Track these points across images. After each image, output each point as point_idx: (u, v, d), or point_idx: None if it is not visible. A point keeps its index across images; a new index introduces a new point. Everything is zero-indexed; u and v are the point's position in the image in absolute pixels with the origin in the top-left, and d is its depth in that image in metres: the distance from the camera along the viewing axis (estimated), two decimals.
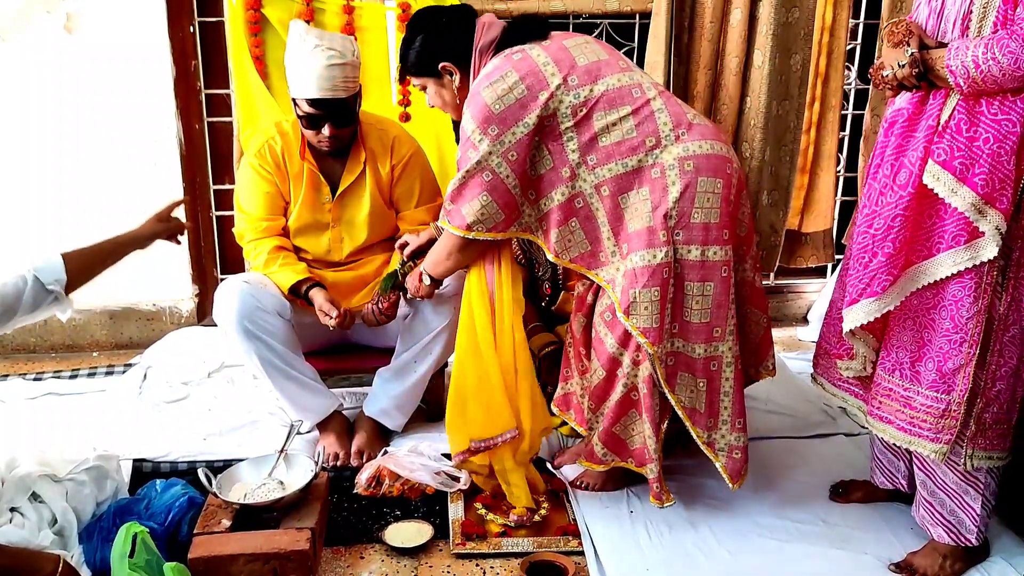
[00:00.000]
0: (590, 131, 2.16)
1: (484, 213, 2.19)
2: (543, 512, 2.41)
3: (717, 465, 2.30)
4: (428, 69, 2.30)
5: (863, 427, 2.39)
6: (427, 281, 2.46)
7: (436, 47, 2.26)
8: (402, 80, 2.40)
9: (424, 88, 2.37)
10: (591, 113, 2.15)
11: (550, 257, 2.25)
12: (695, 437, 2.28)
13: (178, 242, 2.44)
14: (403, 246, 2.65)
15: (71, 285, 2.11)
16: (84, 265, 2.15)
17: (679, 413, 2.25)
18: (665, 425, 2.30)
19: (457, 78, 2.28)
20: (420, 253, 2.57)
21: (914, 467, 2.22)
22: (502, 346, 2.33)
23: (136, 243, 2.31)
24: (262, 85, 3.14)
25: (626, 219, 2.18)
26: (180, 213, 2.58)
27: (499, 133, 2.13)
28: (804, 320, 4.01)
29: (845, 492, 2.51)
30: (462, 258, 2.35)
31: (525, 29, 2.25)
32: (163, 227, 2.37)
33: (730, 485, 2.31)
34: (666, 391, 2.23)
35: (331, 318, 2.58)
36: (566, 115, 2.16)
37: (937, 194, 1.92)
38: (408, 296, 2.60)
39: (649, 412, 2.24)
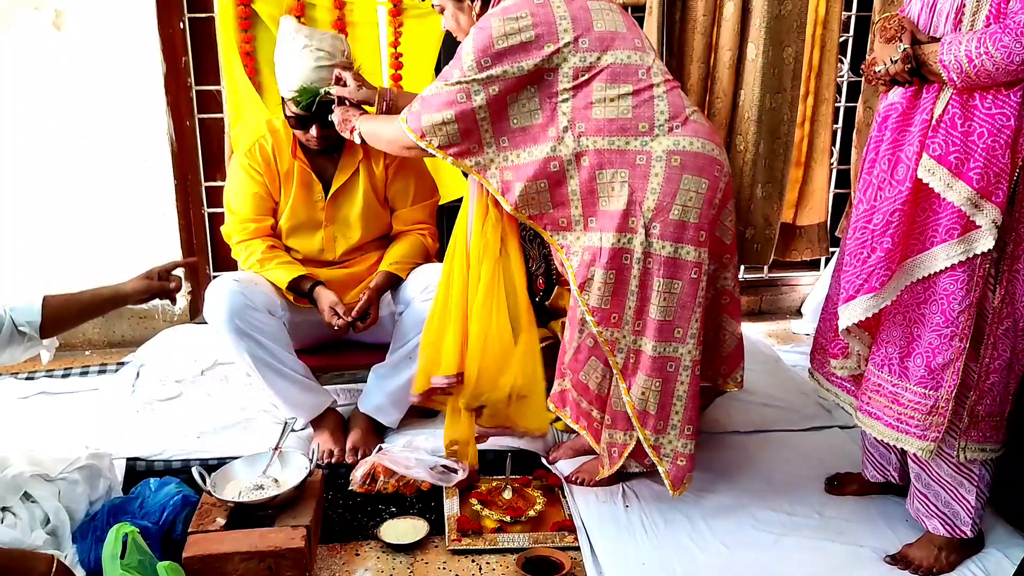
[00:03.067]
0: (587, 99, 2.13)
1: (441, 130, 2.17)
2: (538, 507, 2.41)
3: (660, 470, 2.28)
4: None
5: None
6: (356, 140, 2.45)
7: None
8: None
9: (442, 10, 2.36)
10: (591, 80, 2.13)
11: (508, 208, 2.22)
12: (642, 439, 2.26)
13: (174, 301, 2.34)
14: (340, 79, 2.53)
15: (46, 329, 2.10)
16: (62, 313, 2.14)
17: (629, 412, 2.24)
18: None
19: (478, 4, 2.27)
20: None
21: (908, 460, 2.22)
22: (471, 284, 2.35)
23: (120, 300, 2.22)
24: (248, 82, 3.12)
25: (599, 194, 2.16)
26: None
27: (490, 65, 2.12)
28: (798, 313, 4.01)
29: (840, 485, 2.52)
30: (398, 153, 2.38)
31: None
32: (151, 285, 2.24)
33: (671, 492, 2.29)
34: (622, 386, 2.23)
35: (340, 318, 2.58)
36: (567, 75, 2.13)
37: (932, 189, 1.92)
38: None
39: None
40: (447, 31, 2.43)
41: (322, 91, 2.54)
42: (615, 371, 2.21)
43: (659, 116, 2.14)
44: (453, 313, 2.39)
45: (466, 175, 2.32)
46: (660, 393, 2.21)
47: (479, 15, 2.27)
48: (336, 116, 2.50)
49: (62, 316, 2.13)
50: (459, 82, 2.13)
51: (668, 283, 2.14)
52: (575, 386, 2.35)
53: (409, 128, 2.21)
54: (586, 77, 2.13)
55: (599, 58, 2.13)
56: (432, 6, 2.38)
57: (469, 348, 2.38)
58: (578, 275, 2.17)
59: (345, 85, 2.52)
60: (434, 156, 2.23)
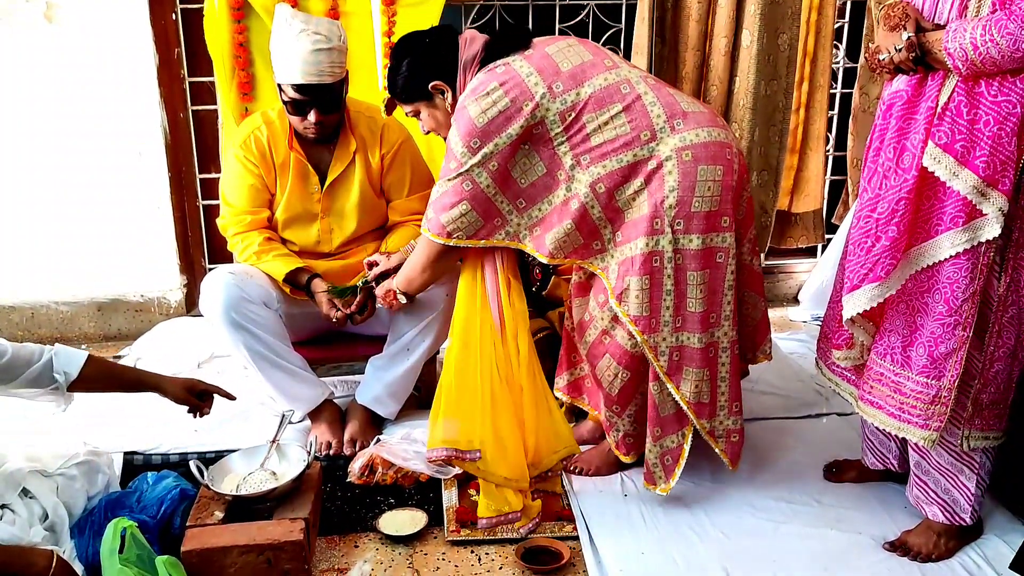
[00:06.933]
0: (582, 133, 2.15)
1: (463, 221, 2.20)
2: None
3: (716, 450, 2.34)
4: (419, 92, 2.29)
5: None
6: (402, 300, 2.47)
7: (423, 68, 2.26)
8: (390, 111, 2.44)
9: (417, 114, 2.36)
10: (580, 116, 2.14)
11: (544, 260, 2.25)
12: (699, 428, 2.29)
13: (195, 416, 2.37)
14: (372, 264, 2.62)
15: (78, 384, 2.11)
16: (100, 374, 2.17)
17: (684, 408, 2.26)
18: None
19: (449, 95, 2.27)
20: (386, 275, 2.56)
21: (908, 448, 2.22)
22: (511, 359, 2.34)
23: (156, 390, 2.27)
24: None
25: (623, 211, 2.19)
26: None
27: (480, 146, 2.14)
28: (795, 300, 4.01)
29: (838, 472, 2.52)
30: (437, 270, 2.38)
31: (507, 41, 2.24)
32: (189, 399, 2.31)
33: (730, 467, 2.37)
34: (670, 386, 2.24)
35: (339, 311, 2.57)
36: (555, 122, 2.15)
37: (938, 177, 1.91)
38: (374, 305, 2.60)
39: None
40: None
41: (360, 283, 2.59)
42: (660, 374, 2.23)
43: (657, 120, 2.14)
44: (471, 382, 2.34)
45: (460, 260, 2.37)
46: (710, 380, 2.25)
47: (452, 105, 2.26)
48: (379, 293, 2.51)
49: (99, 380, 2.17)
50: (459, 174, 2.16)
51: (702, 275, 2.17)
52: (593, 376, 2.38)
53: (433, 234, 2.24)
54: (574, 116, 2.14)
55: (578, 94, 2.14)
56: (406, 114, 2.39)
57: (527, 422, 2.38)
58: (616, 288, 2.20)
59: (376, 265, 2.59)
60: (468, 247, 2.26)
